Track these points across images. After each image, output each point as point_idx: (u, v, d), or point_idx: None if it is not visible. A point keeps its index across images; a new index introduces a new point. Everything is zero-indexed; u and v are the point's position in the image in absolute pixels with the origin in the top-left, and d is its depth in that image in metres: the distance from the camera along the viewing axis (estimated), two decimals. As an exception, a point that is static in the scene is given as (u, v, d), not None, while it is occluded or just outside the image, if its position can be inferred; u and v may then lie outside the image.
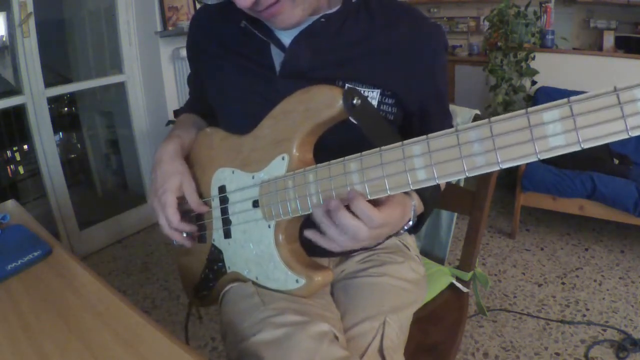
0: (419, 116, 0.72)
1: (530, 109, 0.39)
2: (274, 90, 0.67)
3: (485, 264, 2.06)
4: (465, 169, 0.43)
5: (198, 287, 0.80)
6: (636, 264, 2.01)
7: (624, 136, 0.36)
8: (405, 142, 0.48)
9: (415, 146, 0.47)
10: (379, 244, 0.83)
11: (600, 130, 0.36)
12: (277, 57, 0.68)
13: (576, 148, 0.37)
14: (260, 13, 0.60)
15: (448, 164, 0.44)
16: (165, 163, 0.73)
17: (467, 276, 1.00)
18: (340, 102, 0.54)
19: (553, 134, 0.38)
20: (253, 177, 0.65)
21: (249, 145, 0.67)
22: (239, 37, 0.71)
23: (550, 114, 0.38)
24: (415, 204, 0.62)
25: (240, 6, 0.57)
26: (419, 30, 0.68)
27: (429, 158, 0.45)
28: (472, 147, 0.43)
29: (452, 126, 0.63)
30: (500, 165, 0.41)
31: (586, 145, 0.37)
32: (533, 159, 0.40)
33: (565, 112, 0.38)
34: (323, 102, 0.56)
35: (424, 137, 0.46)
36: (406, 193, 0.60)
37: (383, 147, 0.49)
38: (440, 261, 1.10)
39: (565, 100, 0.38)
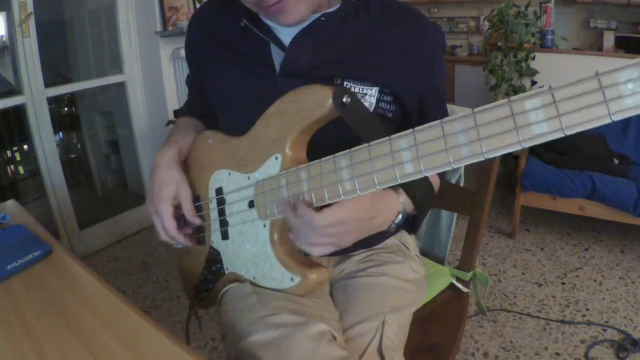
0: (417, 115, 0.72)
1: (512, 98, 0.39)
2: (274, 89, 0.67)
3: (485, 264, 2.06)
4: (451, 160, 0.43)
5: (197, 288, 0.81)
6: (636, 264, 2.01)
7: (607, 121, 0.35)
8: (393, 136, 0.48)
9: (402, 140, 0.47)
10: (375, 241, 0.83)
11: (582, 115, 0.36)
12: (277, 56, 0.68)
13: (560, 135, 0.37)
14: (265, 9, 0.60)
15: (434, 156, 0.45)
16: (161, 170, 0.73)
17: (467, 276, 1.00)
18: (330, 100, 0.54)
19: (536, 121, 0.38)
20: (248, 178, 0.65)
21: (244, 146, 0.67)
22: (239, 37, 0.71)
23: (532, 102, 0.38)
24: (404, 201, 0.62)
25: (245, 1, 0.57)
26: (418, 29, 0.68)
27: (416, 151, 0.46)
28: (457, 138, 0.43)
29: None
30: (485, 156, 0.41)
31: (569, 132, 0.37)
32: (517, 147, 0.39)
33: (547, 99, 0.37)
34: (314, 101, 0.56)
35: (410, 130, 0.46)
36: (393, 189, 0.60)
37: (372, 142, 0.49)
38: (440, 261, 1.10)
39: (547, 87, 0.38)
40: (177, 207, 0.73)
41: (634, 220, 1.95)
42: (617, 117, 0.35)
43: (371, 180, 0.50)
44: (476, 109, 0.42)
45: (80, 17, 2.42)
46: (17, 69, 1.88)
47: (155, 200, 0.71)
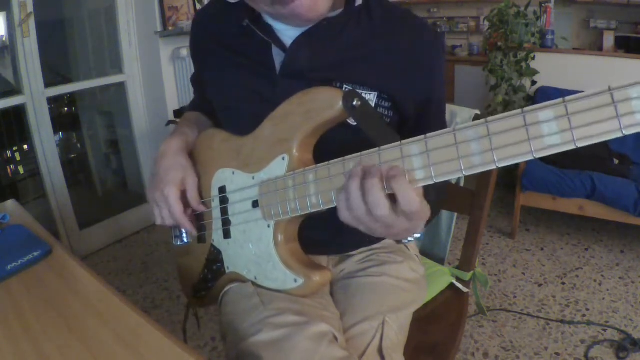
0: (414, 121, 0.72)
1: (526, 109, 0.40)
2: (274, 90, 0.67)
3: (485, 264, 2.06)
4: (463, 168, 0.43)
5: (196, 287, 0.80)
6: (636, 264, 2.01)
7: (618, 135, 0.36)
8: (404, 141, 0.48)
9: (414, 145, 0.47)
10: (375, 239, 0.83)
11: (594, 129, 0.37)
12: (278, 57, 0.68)
13: (571, 147, 0.38)
14: (287, 5, 0.58)
15: (445, 163, 0.45)
16: (168, 157, 0.73)
17: (467, 276, 1.01)
18: (340, 103, 0.54)
19: (548, 133, 0.39)
20: (253, 178, 0.65)
21: (250, 146, 0.67)
22: (240, 37, 0.71)
23: (545, 113, 0.39)
24: None
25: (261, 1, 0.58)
26: (419, 37, 0.68)
27: (427, 157, 0.46)
28: (470, 146, 0.43)
29: None
30: (497, 164, 0.42)
31: (581, 144, 0.37)
32: (529, 157, 0.40)
33: (560, 111, 0.38)
34: (323, 104, 0.56)
35: (422, 136, 0.46)
36: None
37: (382, 147, 0.49)
38: (440, 261, 1.10)
39: (560, 99, 0.38)
40: (183, 196, 0.73)
41: (634, 220, 1.95)
42: (628, 132, 0.35)
43: None
44: (489, 118, 0.42)
45: (80, 17, 2.42)
46: (17, 69, 1.88)
47: (161, 185, 0.70)
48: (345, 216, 0.50)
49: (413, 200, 0.46)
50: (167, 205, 0.70)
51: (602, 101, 0.36)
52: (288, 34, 0.67)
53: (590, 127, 0.37)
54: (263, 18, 0.69)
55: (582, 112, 0.37)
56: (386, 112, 0.69)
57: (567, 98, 0.38)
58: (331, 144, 0.59)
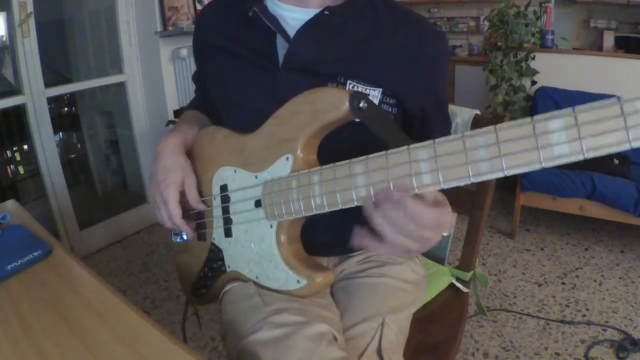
0: (418, 119, 0.72)
1: (536, 117, 0.40)
2: (276, 82, 0.67)
3: (485, 264, 2.06)
4: (471, 174, 0.43)
5: (196, 285, 0.80)
6: (636, 264, 2.01)
7: (626, 147, 0.36)
8: (412, 145, 0.47)
9: (422, 150, 0.46)
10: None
11: (603, 140, 0.36)
12: (282, 48, 0.68)
13: (579, 157, 0.38)
14: None
15: (454, 169, 0.44)
16: (167, 157, 0.72)
17: (467, 276, 1.01)
18: (347, 104, 0.54)
19: (557, 142, 0.39)
20: (256, 177, 0.65)
21: (253, 144, 0.66)
22: (244, 30, 0.71)
23: (555, 123, 0.39)
24: None
25: None
26: (424, 35, 0.69)
27: (435, 162, 0.45)
28: (478, 153, 0.43)
29: (450, 133, 0.63)
30: (505, 172, 0.41)
31: (589, 155, 0.37)
32: (537, 167, 0.40)
33: (570, 121, 0.38)
34: (330, 104, 0.56)
35: (430, 141, 0.46)
36: None
37: (389, 151, 0.49)
38: (440, 261, 1.10)
39: (570, 109, 0.38)
40: (182, 197, 0.73)
41: (634, 220, 1.95)
42: (636, 144, 0.35)
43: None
44: (498, 125, 0.42)
45: (80, 17, 2.42)
46: (17, 69, 1.88)
47: (161, 186, 0.70)
48: (394, 239, 0.49)
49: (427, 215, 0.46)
50: (166, 209, 0.70)
51: (612, 112, 0.36)
52: (293, 24, 0.68)
53: (599, 138, 0.37)
54: (269, 9, 0.69)
55: (591, 123, 0.37)
56: (390, 109, 0.69)
57: (577, 108, 0.38)
58: (336, 143, 0.59)
